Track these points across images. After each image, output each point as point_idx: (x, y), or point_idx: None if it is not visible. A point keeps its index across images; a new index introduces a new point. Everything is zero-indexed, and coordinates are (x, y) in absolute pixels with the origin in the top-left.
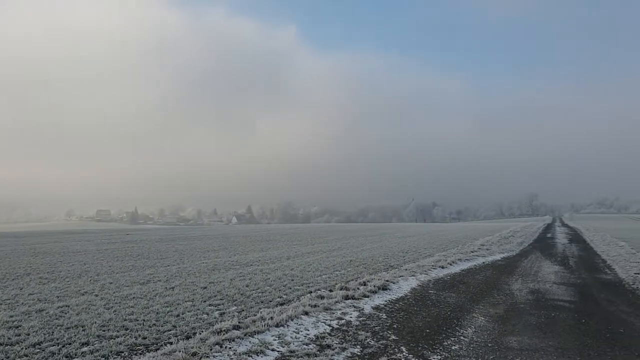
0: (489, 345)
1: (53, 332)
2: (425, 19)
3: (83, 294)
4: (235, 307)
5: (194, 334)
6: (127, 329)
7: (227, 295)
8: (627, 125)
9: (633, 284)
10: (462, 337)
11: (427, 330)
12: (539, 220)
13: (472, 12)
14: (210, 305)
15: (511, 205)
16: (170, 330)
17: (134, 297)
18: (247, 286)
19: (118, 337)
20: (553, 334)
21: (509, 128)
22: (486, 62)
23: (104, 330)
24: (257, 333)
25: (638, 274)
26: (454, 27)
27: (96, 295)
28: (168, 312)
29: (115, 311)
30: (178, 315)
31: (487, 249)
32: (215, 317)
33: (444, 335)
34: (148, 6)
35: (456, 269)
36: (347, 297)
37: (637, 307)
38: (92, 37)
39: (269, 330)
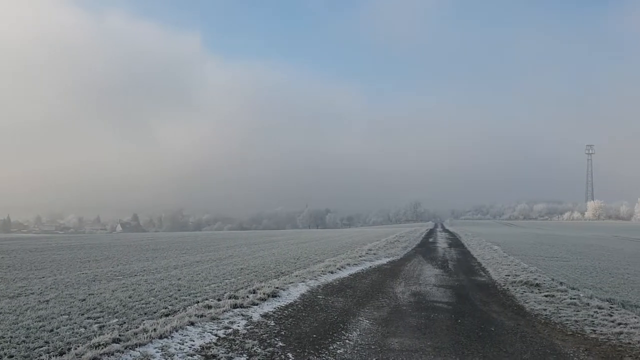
0: (372, 347)
1: None
2: (325, 32)
3: None
4: (117, 320)
5: (69, 349)
6: None
7: (107, 307)
8: (502, 140)
9: (504, 285)
10: (347, 341)
11: (314, 335)
12: (422, 225)
13: (373, 32)
14: (88, 318)
15: (397, 211)
16: (42, 346)
17: (0, 312)
18: (130, 297)
19: None
20: (431, 334)
21: (397, 140)
22: (380, 77)
23: None
24: (139, 345)
25: (509, 275)
26: (354, 43)
27: None
28: (40, 327)
29: None
30: (52, 330)
31: (374, 254)
32: (93, 331)
33: (330, 340)
34: (41, 3)
35: (345, 273)
36: (235, 306)
37: (506, 307)
38: None
39: (151, 342)
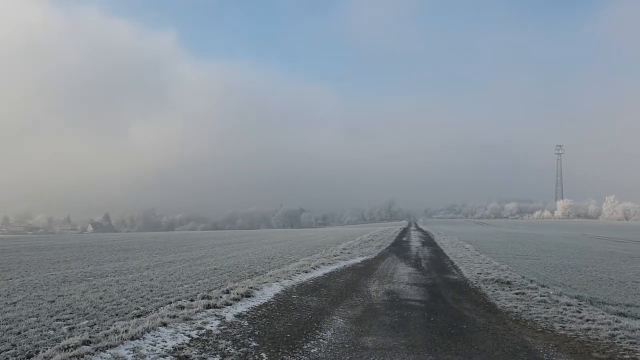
0: (346, 346)
1: None
2: (299, 34)
3: None
4: (87, 321)
5: (37, 352)
6: None
7: (78, 308)
8: (473, 140)
9: (476, 283)
10: (321, 340)
11: (288, 335)
12: (396, 224)
13: (348, 34)
14: (58, 320)
15: (372, 210)
16: (9, 349)
17: None
18: (101, 298)
19: None
20: (405, 333)
21: (371, 140)
22: (354, 78)
23: None
24: (110, 347)
25: (480, 273)
26: (329, 44)
27: None
28: (7, 329)
29: None
30: (19, 333)
31: (349, 253)
32: (63, 333)
33: (304, 339)
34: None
35: (319, 273)
36: (208, 306)
37: (478, 305)
38: None
39: (123, 343)
